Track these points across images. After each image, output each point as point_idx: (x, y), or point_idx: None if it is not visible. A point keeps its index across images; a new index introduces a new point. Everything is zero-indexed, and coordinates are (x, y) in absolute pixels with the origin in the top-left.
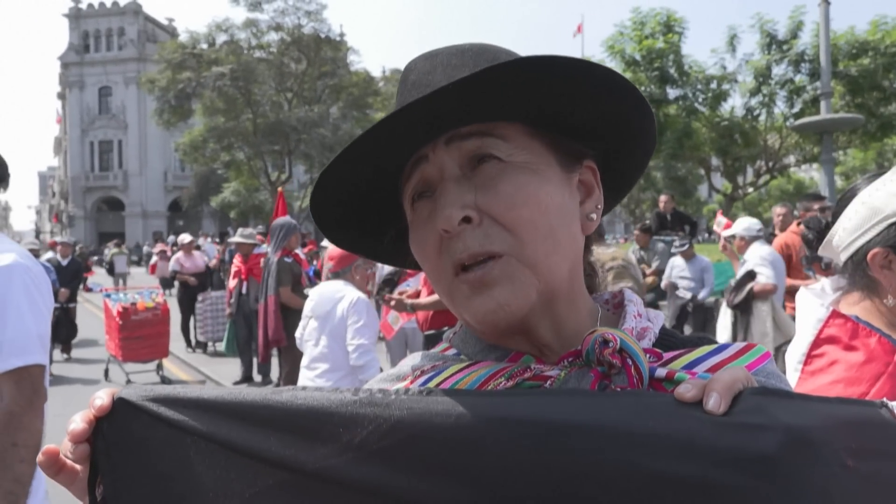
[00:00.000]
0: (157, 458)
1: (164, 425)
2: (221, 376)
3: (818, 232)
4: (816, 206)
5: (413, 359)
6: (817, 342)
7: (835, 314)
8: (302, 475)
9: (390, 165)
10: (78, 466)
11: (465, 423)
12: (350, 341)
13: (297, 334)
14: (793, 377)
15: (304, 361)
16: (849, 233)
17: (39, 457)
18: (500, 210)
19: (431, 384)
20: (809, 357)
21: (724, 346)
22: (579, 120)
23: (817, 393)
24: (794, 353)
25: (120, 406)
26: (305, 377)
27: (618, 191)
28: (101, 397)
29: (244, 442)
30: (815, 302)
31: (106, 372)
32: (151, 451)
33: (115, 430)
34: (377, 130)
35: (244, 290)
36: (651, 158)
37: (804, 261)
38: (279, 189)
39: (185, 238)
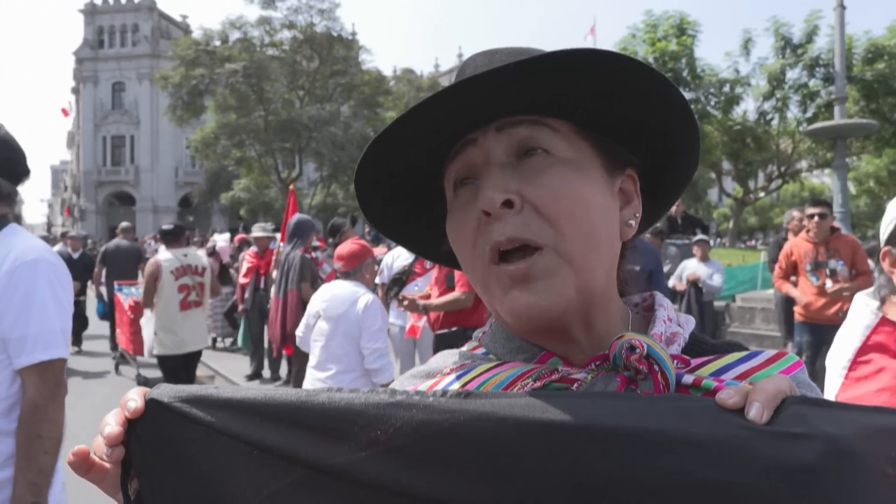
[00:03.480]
0: (190, 457)
1: (197, 425)
2: (231, 372)
3: None
4: (810, 211)
5: (442, 356)
6: (864, 348)
7: (884, 321)
8: (322, 471)
9: (436, 148)
10: (108, 465)
11: (505, 426)
12: (366, 345)
13: (299, 332)
14: (836, 383)
15: (311, 362)
16: None
17: (70, 457)
18: (543, 201)
19: (459, 383)
20: (855, 363)
21: (754, 354)
22: (626, 126)
23: (862, 400)
24: (839, 359)
25: (152, 407)
26: (314, 378)
27: (657, 204)
28: (134, 399)
29: (277, 442)
30: (865, 308)
31: (116, 365)
32: (185, 450)
33: (149, 431)
34: (433, 103)
35: (261, 285)
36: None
37: (808, 266)
38: (290, 187)
39: (221, 240)
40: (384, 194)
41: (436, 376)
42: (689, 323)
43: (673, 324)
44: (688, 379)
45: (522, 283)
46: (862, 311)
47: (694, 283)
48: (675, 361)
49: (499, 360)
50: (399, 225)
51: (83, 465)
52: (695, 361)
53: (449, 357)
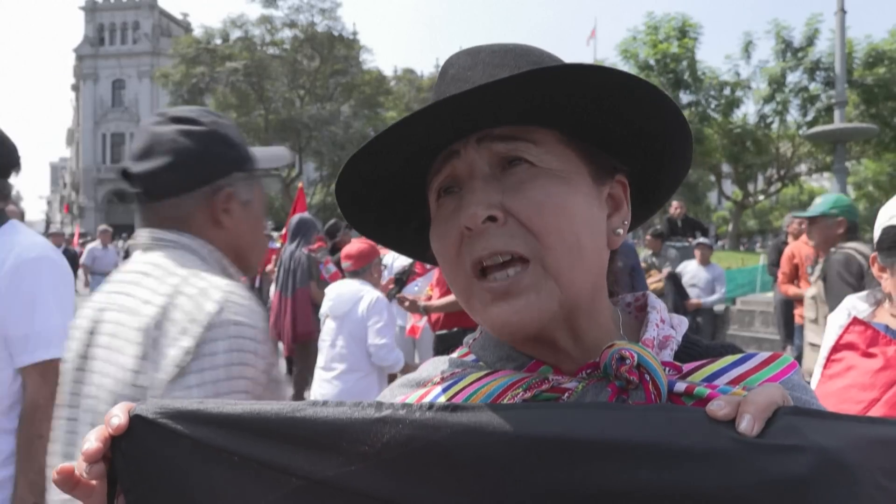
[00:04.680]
0: (177, 473)
1: (183, 440)
2: None
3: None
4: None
5: (433, 364)
6: (836, 347)
7: (855, 321)
8: (315, 482)
9: (420, 156)
10: (93, 482)
11: (492, 440)
12: (372, 342)
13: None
14: (816, 380)
15: (319, 362)
16: None
17: (54, 475)
18: (527, 214)
19: (448, 394)
20: (829, 361)
21: (748, 356)
22: (616, 134)
23: (832, 396)
24: (819, 358)
25: (137, 423)
26: (322, 378)
27: (647, 207)
28: (118, 415)
29: (267, 455)
30: (841, 310)
31: None
32: (172, 465)
33: (134, 446)
34: (412, 120)
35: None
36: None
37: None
38: (300, 184)
39: None
40: (369, 200)
41: (426, 385)
42: (683, 324)
43: (666, 326)
44: (680, 386)
45: (503, 299)
46: (839, 312)
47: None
48: (667, 368)
49: (489, 367)
50: (387, 229)
51: (68, 483)
52: (686, 367)
53: (439, 365)
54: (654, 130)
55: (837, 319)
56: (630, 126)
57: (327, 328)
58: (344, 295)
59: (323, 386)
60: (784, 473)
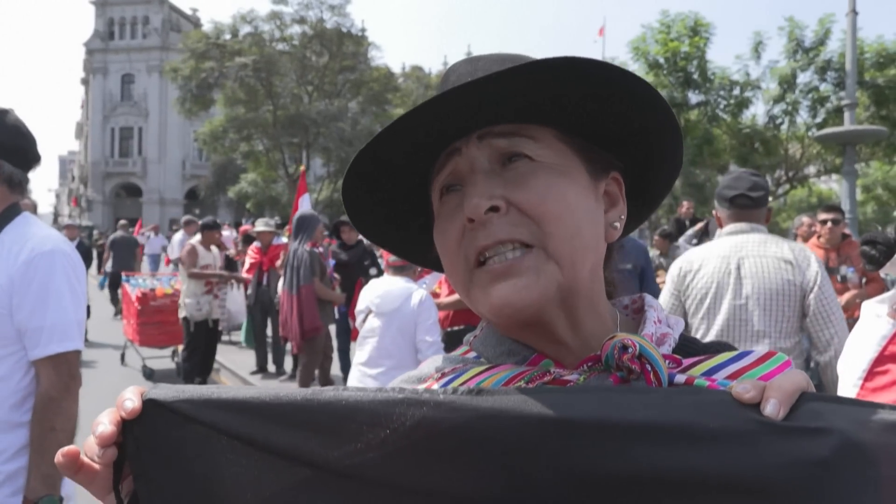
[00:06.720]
0: (189, 458)
1: (197, 426)
2: (237, 366)
3: (888, 247)
4: (822, 217)
5: (434, 361)
6: (881, 359)
7: None
8: (329, 471)
9: (423, 155)
10: (97, 467)
11: (518, 423)
12: (423, 338)
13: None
14: (850, 393)
15: (360, 358)
16: None
17: (58, 457)
18: (529, 203)
19: (452, 387)
20: (871, 373)
21: (744, 353)
22: (609, 130)
23: None
24: (854, 369)
25: (150, 407)
26: (364, 374)
27: (645, 205)
28: (131, 399)
29: (282, 442)
30: (878, 319)
31: (122, 356)
32: (184, 451)
33: (146, 431)
34: (414, 116)
35: (265, 281)
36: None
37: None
38: (301, 168)
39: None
40: (373, 201)
41: (426, 381)
42: (679, 324)
43: (663, 325)
44: (680, 378)
45: (503, 279)
46: (875, 321)
47: None
48: (667, 361)
49: (489, 363)
50: (388, 230)
51: (72, 467)
52: (686, 361)
53: (439, 361)
54: (645, 126)
55: (879, 330)
56: (623, 122)
57: (370, 324)
58: (393, 292)
59: (366, 382)
60: (808, 455)
